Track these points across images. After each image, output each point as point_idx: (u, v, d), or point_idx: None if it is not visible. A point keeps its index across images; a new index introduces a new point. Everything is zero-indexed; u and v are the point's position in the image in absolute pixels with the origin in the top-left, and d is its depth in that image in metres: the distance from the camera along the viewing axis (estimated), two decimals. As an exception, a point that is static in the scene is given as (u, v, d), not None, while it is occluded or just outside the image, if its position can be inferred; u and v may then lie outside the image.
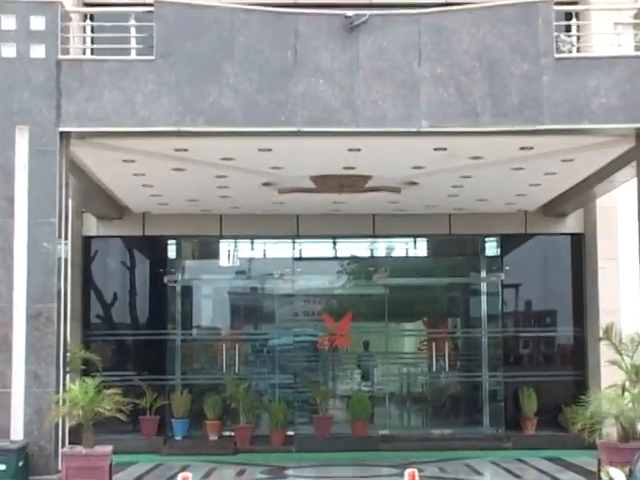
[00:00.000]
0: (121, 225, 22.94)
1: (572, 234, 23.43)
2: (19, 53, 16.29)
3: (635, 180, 17.32)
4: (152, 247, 24.44)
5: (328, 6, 18.64)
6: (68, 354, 16.97)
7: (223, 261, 25.35)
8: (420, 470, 15.87)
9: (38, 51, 16.33)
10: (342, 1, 20.21)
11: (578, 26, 18.98)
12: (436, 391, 25.06)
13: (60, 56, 16.44)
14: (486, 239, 24.64)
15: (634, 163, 17.18)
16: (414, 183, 20.07)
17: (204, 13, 16.81)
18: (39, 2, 16.62)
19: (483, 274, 24.89)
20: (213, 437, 22.47)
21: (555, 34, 16.78)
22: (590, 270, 22.52)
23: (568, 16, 19.02)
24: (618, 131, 16.80)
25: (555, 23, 16.81)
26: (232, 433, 22.59)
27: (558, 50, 16.92)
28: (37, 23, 16.38)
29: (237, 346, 24.43)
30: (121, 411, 16.10)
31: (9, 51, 16.32)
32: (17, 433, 15.69)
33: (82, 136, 16.65)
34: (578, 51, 18.48)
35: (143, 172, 18.96)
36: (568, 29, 18.41)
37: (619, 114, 16.42)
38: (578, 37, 18.73)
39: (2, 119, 16.22)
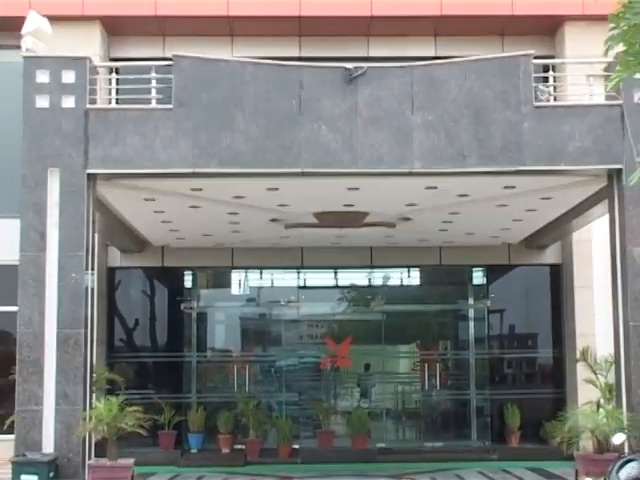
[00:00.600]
0: (142, 257, 22.95)
1: (551, 265, 23.41)
2: (51, 104, 16.44)
3: (607, 216, 17.41)
4: (170, 277, 24.43)
5: (329, 59, 18.84)
6: (94, 375, 17.05)
7: (234, 290, 25.30)
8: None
9: (68, 102, 16.47)
10: (342, 55, 20.43)
11: (555, 77, 19.01)
12: (428, 407, 25.01)
13: (88, 106, 16.57)
14: (473, 269, 24.61)
15: (606, 201, 17.27)
16: (408, 219, 20.07)
17: (217, 66, 16.92)
18: (70, 58, 16.79)
19: (471, 301, 24.88)
20: (225, 450, 22.42)
21: (534, 85, 16.88)
22: (567, 297, 22.50)
23: (546, 68, 19.14)
24: (591, 172, 16.88)
25: (534, 75, 16.92)
26: (243, 446, 22.55)
27: (537, 99, 16.97)
28: (68, 77, 16.53)
29: (247, 367, 24.41)
30: (142, 426, 16.21)
31: (43, 102, 16.46)
32: (48, 446, 15.74)
33: (107, 177, 16.73)
34: (555, 100, 18.54)
35: (162, 209, 19.00)
36: (546, 80, 18.46)
37: (592, 156, 16.52)
38: (555, 87, 18.77)
39: (36, 162, 16.34)
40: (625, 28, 7.27)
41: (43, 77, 16.52)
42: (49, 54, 16.89)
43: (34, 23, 17.10)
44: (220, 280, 25.66)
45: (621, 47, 7.43)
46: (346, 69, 16.57)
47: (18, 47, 17.24)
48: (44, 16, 17.38)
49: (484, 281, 24.59)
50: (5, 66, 21.38)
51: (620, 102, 16.33)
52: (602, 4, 7.91)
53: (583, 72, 18.18)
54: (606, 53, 7.66)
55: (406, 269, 25.04)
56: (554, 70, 19.49)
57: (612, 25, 7.37)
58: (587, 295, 21.55)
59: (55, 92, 16.47)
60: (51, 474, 15.33)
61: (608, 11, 7.42)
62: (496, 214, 19.62)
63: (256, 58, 17.87)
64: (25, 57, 16.85)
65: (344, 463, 21.21)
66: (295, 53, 21.84)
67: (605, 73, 16.57)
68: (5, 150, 20.92)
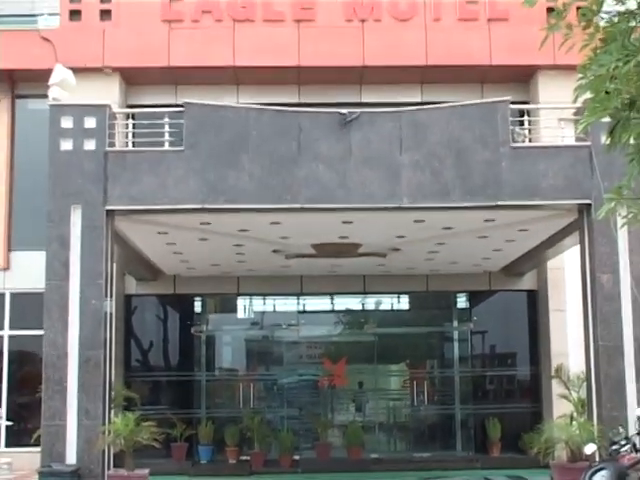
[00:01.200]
0: (156, 285, 22.95)
1: (528, 290, 23.42)
2: (74, 146, 16.54)
3: (578, 246, 17.47)
4: (181, 303, 24.44)
5: (326, 105, 18.91)
6: (113, 392, 17.02)
7: (240, 314, 25.29)
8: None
9: (90, 145, 16.57)
10: (337, 101, 20.50)
11: (529, 121, 19.15)
12: (417, 421, 24.97)
13: (107, 148, 16.66)
14: (457, 295, 24.61)
15: (577, 232, 17.33)
16: (397, 249, 20.10)
17: (224, 112, 17.02)
18: (91, 105, 16.92)
19: (455, 324, 24.87)
20: (232, 461, 22.37)
21: (511, 127, 16.98)
22: (543, 320, 22.51)
23: (521, 113, 19.27)
24: (563, 206, 16.94)
25: (511, 119, 17.02)
26: (248, 457, 22.49)
27: (514, 140, 17.08)
28: (89, 122, 16.64)
29: (252, 385, 24.36)
30: (156, 440, 16.22)
31: (67, 145, 16.57)
32: (71, 458, 15.75)
33: (124, 213, 16.79)
34: (530, 141, 18.68)
35: (174, 242, 19.04)
36: (522, 123, 18.61)
37: (564, 193, 16.59)
38: (530, 130, 18.89)
39: (60, 199, 16.41)
40: (592, 78, 7.35)
41: (67, 123, 16.65)
42: (73, 102, 17.03)
43: (60, 75, 17.27)
44: (227, 306, 25.66)
45: (588, 94, 7.50)
46: (341, 114, 16.66)
47: (45, 96, 17.40)
48: (69, 68, 17.53)
49: (467, 305, 24.62)
50: (33, 113, 21.49)
51: (588, 143, 16.42)
52: (571, 55, 7.97)
53: (555, 116, 18.32)
54: (575, 100, 7.73)
55: (396, 295, 25.05)
56: (529, 114, 19.60)
57: (580, 75, 7.44)
58: (561, 318, 21.57)
59: (78, 136, 16.58)
60: (74, 483, 15.37)
61: (577, 62, 7.50)
62: (478, 245, 19.65)
63: (259, 104, 18.01)
64: (51, 105, 16.98)
65: (341, 472, 21.18)
66: (294, 99, 21.93)
67: (575, 117, 16.67)
68: (32, 189, 20.98)
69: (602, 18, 7.41)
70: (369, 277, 23.48)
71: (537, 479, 19.17)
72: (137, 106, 21.63)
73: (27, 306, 20.74)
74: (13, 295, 21.54)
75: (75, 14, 21.73)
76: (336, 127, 16.69)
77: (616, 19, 7.29)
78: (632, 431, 14.45)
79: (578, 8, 7.45)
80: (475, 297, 24.44)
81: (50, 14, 21.98)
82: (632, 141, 7.43)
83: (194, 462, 22.44)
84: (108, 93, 20.82)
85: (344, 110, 16.81)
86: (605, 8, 7.44)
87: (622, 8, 7.26)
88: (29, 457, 17.54)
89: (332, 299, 25.19)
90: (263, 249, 19.85)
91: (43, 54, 20.92)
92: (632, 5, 7.15)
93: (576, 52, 7.67)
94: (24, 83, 21.86)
